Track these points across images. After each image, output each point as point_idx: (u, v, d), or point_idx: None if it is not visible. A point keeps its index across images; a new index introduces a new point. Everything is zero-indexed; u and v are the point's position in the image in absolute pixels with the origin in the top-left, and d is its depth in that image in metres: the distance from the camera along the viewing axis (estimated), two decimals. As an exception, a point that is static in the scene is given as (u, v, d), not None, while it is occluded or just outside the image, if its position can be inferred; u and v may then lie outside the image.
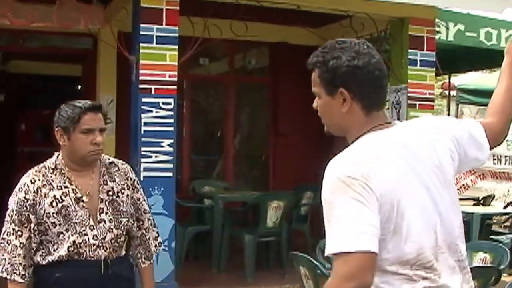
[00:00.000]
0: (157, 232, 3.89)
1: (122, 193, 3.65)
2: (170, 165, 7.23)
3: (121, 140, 9.13)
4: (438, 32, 9.30)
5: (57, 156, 3.60)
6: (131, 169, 3.81)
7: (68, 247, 3.46)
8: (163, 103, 7.20)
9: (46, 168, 3.56)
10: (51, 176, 3.53)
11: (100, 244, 3.51)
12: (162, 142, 7.18)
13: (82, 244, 3.47)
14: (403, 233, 2.32)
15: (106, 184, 3.62)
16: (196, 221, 9.07)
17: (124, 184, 3.68)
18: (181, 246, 8.27)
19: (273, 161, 10.93)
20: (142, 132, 7.14)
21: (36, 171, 3.55)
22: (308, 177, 9.87)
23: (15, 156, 13.96)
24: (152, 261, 3.88)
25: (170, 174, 7.25)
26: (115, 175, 3.68)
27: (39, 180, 3.51)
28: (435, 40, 8.87)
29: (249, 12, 7.98)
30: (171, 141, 7.24)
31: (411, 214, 2.33)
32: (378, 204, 2.26)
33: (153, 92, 7.17)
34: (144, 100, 7.15)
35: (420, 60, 8.47)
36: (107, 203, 3.58)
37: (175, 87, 7.28)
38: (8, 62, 13.35)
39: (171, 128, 7.26)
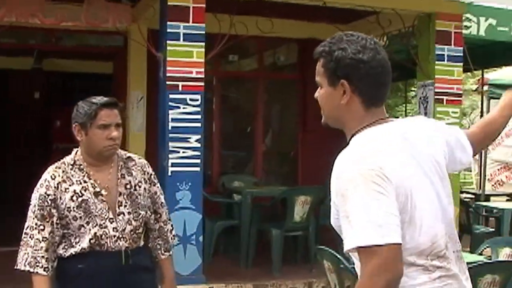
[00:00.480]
0: (172, 225, 3.99)
1: (139, 187, 3.73)
2: (198, 161, 7.32)
3: (151, 136, 9.24)
4: (469, 27, 9.26)
5: (76, 153, 3.69)
6: (148, 163, 3.90)
7: (90, 239, 3.53)
8: (190, 99, 7.30)
9: (65, 164, 3.64)
10: (70, 172, 3.61)
11: (120, 236, 3.60)
12: (189, 137, 7.28)
13: (103, 236, 3.55)
14: (417, 224, 2.35)
15: (124, 178, 3.70)
16: (225, 216, 9.13)
17: (141, 178, 3.76)
18: (210, 240, 8.36)
19: (302, 157, 10.97)
20: (169, 128, 7.24)
21: (56, 167, 3.63)
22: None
23: (50, 152, 14.16)
24: (171, 252, 3.97)
25: (198, 169, 7.34)
26: (132, 169, 3.76)
27: (59, 175, 3.59)
28: (466, 35, 8.84)
29: (275, 9, 8.05)
30: (199, 136, 7.33)
31: (422, 205, 2.37)
32: (395, 194, 2.28)
33: (180, 88, 7.27)
34: (171, 96, 7.26)
35: (448, 55, 8.45)
36: (125, 196, 3.66)
37: (202, 83, 7.38)
38: (43, 60, 13.52)
39: (199, 124, 7.35)
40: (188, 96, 7.28)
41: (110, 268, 3.59)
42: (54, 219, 3.54)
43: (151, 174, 3.85)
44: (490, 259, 5.97)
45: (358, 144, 2.43)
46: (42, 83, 14.60)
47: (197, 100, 7.32)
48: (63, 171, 3.61)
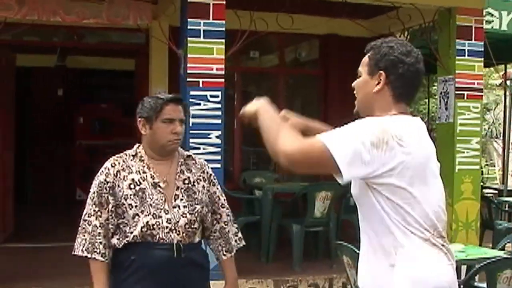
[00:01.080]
0: (237, 228, 4.04)
1: (198, 183, 3.80)
2: (218, 157, 7.35)
3: (172, 132, 9.31)
4: (491, 21, 9.22)
5: (138, 146, 3.81)
6: (207, 164, 3.97)
7: (142, 227, 3.60)
8: (211, 96, 7.33)
9: (126, 155, 3.77)
10: (130, 162, 3.73)
11: (173, 228, 3.64)
12: (210, 134, 7.32)
13: (155, 226, 3.61)
14: (428, 198, 2.63)
15: (183, 173, 3.78)
16: (246, 212, 9.17)
17: (200, 176, 3.83)
18: (231, 236, 8.39)
19: (324, 152, 10.95)
20: (190, 124, 7.27)
21: (117, 157, 3.77)
22: (358, 168, 9.93)
23: (73, 149, 14.30)
24: (233, 254, 4.02)
25: (218, 165, 7.35)
26: (192, 167, 3.84)
27: (119, 164, 3.71)
28: (488, 30, 8.80)
29: (295, 4, 8.06)
30: (219, 133, 7.37)
31: (433, 186, 2.67)
32: (403, 161, 2.54)
33: (201, 85, 7.30)
34: (192, 93, 7.29)
35: (468, 50, 8.40)
36: (182, 190, 3.73)
37: (222, 80, 7.40)
38: (66, 58, 13.63)
39: (219, 121, 7.38)
40: (208, 93, 7.32)
41: (161, 260, 3.63)
42: (110, 206, 3.65)
43: (210, 174, 3.91)
44: (511, 254, 5.96)
45: (385, 117, 2.72)
46: (65, 80, 14.70)
47: (218, 96, 7.35)
48: (124, 161, 3.73)
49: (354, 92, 2.88)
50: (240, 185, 9.75)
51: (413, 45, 2.86)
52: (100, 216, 3.65)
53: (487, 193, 11.20)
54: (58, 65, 13.75)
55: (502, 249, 6.32)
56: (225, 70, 7.45)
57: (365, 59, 2.82)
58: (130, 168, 3.70)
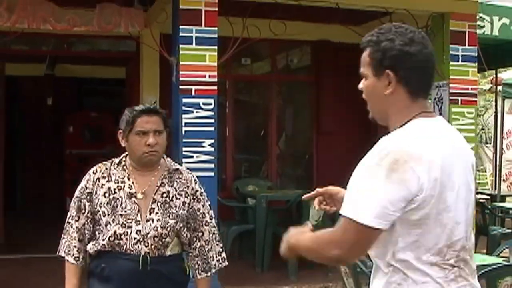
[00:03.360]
0: (222, 248, 3.96)
1: (177, 198, 3.76)
2: (212, 165, 7.28)
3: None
4: (482, 26, 9.21)
5: (125, 155, 3.84)
6: (197, 180, 3.91)
7: (109, 237, 3.63)
8: (204, 104, 7.27)
9: (111, 163, 3.82)
10: (113, 170, 3.77)
11: (142, 240, 3.62)
12: (203, 142, 7.25)
13: (122, 236, 3.62)
14: (442, 221, 2.35)
15: (163, 187, 3.75)
16: (240, 220, 9.16)
17: (182, 191, 3.78)
18: (225, 245, 8.27)
19: (317, 159, 10.94)
20: (183, 132, 7.21)
21: (101, 164, 3.82)
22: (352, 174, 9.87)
23: (63, 158, 14.19)
24: (210, 274, 3.92)
25: (212, 174, 7.30)
26: (176, 181, 3.79)
27: (100, 171, 3.77)
28: (479, 35, 8.78)
29: (288, 11, 8.02)
30: (212, 141, 7.30)
31: (451, 203, 2.38)
32: (423, 189, 2.28)
33: (193, 92, 7.24)
34: (184, 100, 7.23)
35: (462, 55, 8.40)
36: (159, 204, 3.71)
37: (215, 87, 7.35)
38: (55, 66, 13.57)
39: (212, 128, 7.32)
40: (201, 100, 7.25)
41: (127, 270, 3.63)
42: (87, 212, 3.73)
43: (196, 191, 3.86)
44: (509, 261, 5.92)
45: (407, 130, 2.42)
46: (55, 89, 14.63)
47: (211, 104, 7.29)
48: (106, 168, 3.79)
49: (363, 95, 2.58)
50: (233, 194, 9.69)
51: None
52: (77, 221, 3.75)
53: (479, 198, 11.17)
54: (47, 73, 13.68)
55: (498, 255, 6.30)
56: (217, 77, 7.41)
57: (366, 57, 2.49)
58: (110, 176, 3.74)
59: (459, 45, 8.41)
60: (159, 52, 8.11)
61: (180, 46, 7.24)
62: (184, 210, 3.75)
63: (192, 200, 3.80)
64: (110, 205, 3.66)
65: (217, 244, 3.92)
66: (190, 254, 3.87)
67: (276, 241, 8.48)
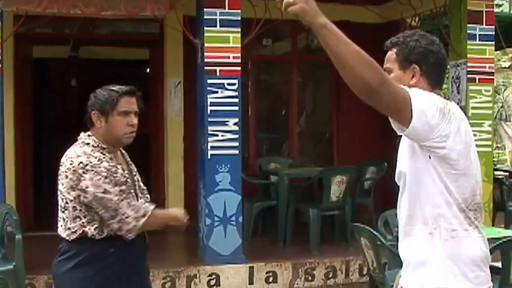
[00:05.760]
0: None
1: (139, 175, 3.88)
2: (236, 143, 7.51)
3: (188, 120, 9.45)
4: (501, 5, 9.31)
5: (90, 137, 3.67)
6: None
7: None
8: (228, 84, 7.48)
9: (88, 146, 3.62)
10: (97, 153, 3.60)
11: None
12: (227, 121, 7.47)
13: None
14: (468, 174, 2.78)
15: (131, 165, 3.83)
16: (263, 197, 9.31)
17: (133, 167, 3.88)
18: (248, 221, 8.56)
19: (337, 138, 11.10)
20: (208, 112, 7.43)
21: (92, 150, 3.59)
22: (371, 153, 10.04)
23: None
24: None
25: (236, 152, 7.53)
26: (128, 158, 3.88)
27: (99, 154, 3.58)
28: (497, 14, 8.89)
29: (309, -8, 8.14)
30: (236, 120, 7.52)
31: (474, 161, 2.84)
32: (456, 133, 2.70)
33: (218, 73, 7.45)
34: (209, 81, 7.44)
35: (479, 34, 8.52)
36: (138, 181, 3.81)
37: (239, 68, 7.55)
38: (79, 48, 13.71)
39: (236, 108, 7.54)
40: (225, 81, 7.46)
41: (138, 250, 3.71)
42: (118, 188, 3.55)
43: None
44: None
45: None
46: (79, 71, 14.80)
47: (235, 84, 7.50)
48: (99, 151, 3.61)
49: None
50: (256, 171, 9.89)
51: (424, 30, 3.06)
52: (122, 191, 3.56)
53: (498, 175, 11.30)
54: (71, 55, 13.84)
55: (515, 229, 6.45)
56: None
57: (391, 55, 2.95)
58: (106, 158, 3.61)
59: (476, 24, 8.53)
60: (182, 34, 8.29)
61: (205, 28, 7.43)
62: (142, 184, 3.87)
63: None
64: (125, 185, 3.60)
65: None
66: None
67: (298, 216, 8.68)
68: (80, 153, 3.57)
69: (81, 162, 3.52)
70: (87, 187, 3.50)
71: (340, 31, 2.54)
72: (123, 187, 3.57)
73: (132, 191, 3.66)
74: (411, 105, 2.56)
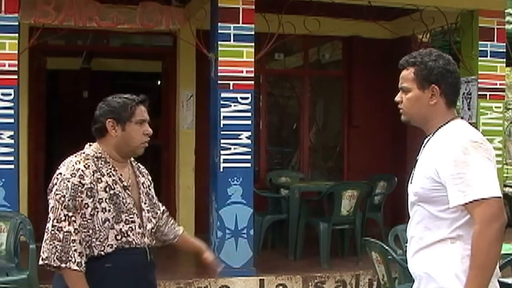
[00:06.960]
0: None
1: (151, 189, 3.80)
2: (248, 157, 7.57)
3: (200, 133, 9.51)
4: (511, 22, 9.35)
5: (94, 147, 3.59)
6: None
7: (116, 236, 3.46)
8: (241, 98, 7.55)
9: (91, 157, 3.52)
10: (98, 164, 3.50)
11: (144, 232, 3.59)
12: (240, 134, 7.53)
13: (129, 232, 3.50)
14: None
15: (139, 177, 3.72)
16: (273, 210, 9.33)
17: (149, 180, 3.83)
18: (259, 234, 8.58)
19: (348, 152, 11.12)
20: (221, 125, 7.50)
21: (84, 159, 3.49)
22: (381, 168, 10.08)
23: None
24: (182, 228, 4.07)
25: (249, 165, 7.58)
26: (140, 170, 3.79)
27: (92, 165, 3.47)
28: (508, 30, 8.94)
29: (322, 8, 8.23)
30: (249, 133, 7.58)
31: None
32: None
33: (231, 87, 7.53)
34: (223, 95, 7.51)
35: (490, 51, 8.58)
36: (144, 194, 3.69)
37: (252, 82, 7.63)
38: (91, 60, 13.81)
39: (249, 122, 7.60)
40: (239, 95, 7.54)
41: (137, 265, 3.56)
42: (88, 210, 3.39)
43: (151, 180, 3.88)
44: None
45: (465, 125, 3.06)
46: (91, 83, 14.89)
47: (248, 98, 7.57)
48: (93, 162, 3.49)
49: (400, 106, 3.12)
50: (267, 185, 9.93)
51: (435, 46, 3.16)
52: (75, 222, 3.36)
53: (507, 191, 11.31)
54: (83, 67, 13.94)
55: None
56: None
57: (409, 75, 3.05)
58: (101, 170, 3.48)
59: (487, 41, 8.59)
60: (196, 48, 8.36)
61: (219, 42, 7.51)
62: (154, 197, 3.83)
63: (152, 189, 3.84)
64: (112, 200, 3.44)
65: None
66: (162, 224, 3.90)
67: (308, 230, 8.69)
68: (75, 160, 3.49)
69: (60, 173, 3.46)
70: (50, 198, 3.47)
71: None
72: (73, 214, 3.36)
73: (124, 205, 3.51)
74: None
